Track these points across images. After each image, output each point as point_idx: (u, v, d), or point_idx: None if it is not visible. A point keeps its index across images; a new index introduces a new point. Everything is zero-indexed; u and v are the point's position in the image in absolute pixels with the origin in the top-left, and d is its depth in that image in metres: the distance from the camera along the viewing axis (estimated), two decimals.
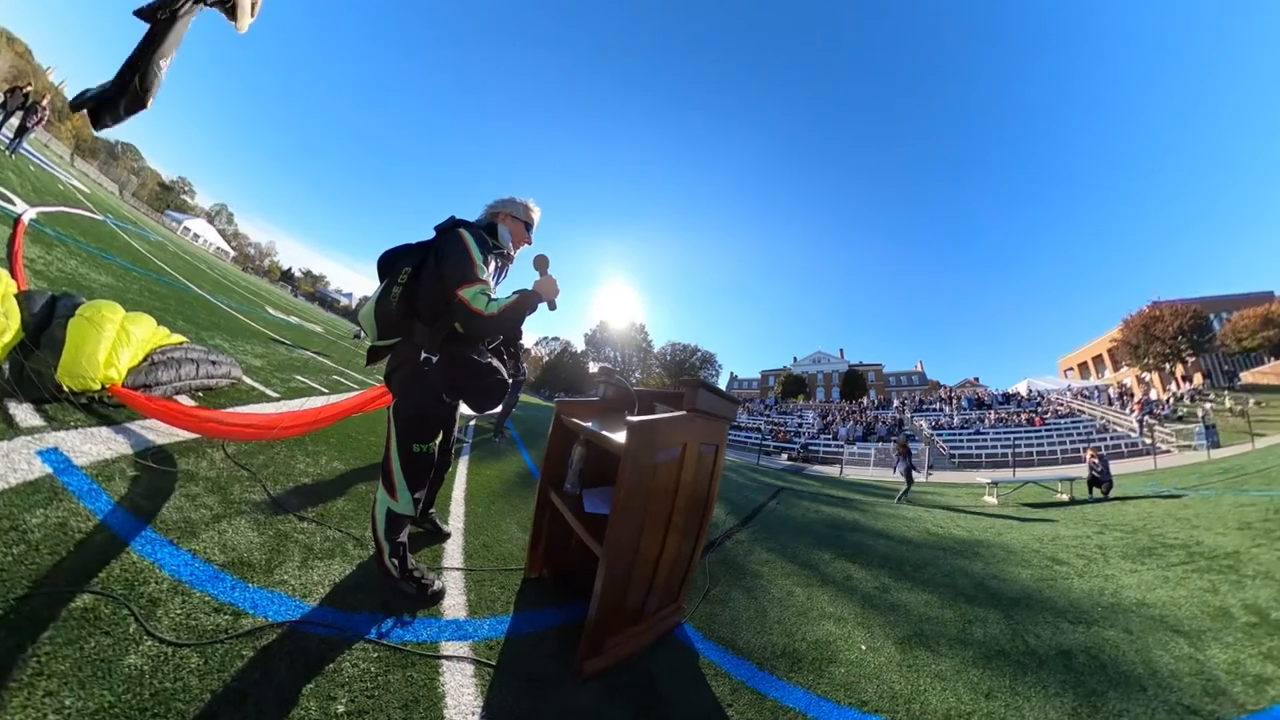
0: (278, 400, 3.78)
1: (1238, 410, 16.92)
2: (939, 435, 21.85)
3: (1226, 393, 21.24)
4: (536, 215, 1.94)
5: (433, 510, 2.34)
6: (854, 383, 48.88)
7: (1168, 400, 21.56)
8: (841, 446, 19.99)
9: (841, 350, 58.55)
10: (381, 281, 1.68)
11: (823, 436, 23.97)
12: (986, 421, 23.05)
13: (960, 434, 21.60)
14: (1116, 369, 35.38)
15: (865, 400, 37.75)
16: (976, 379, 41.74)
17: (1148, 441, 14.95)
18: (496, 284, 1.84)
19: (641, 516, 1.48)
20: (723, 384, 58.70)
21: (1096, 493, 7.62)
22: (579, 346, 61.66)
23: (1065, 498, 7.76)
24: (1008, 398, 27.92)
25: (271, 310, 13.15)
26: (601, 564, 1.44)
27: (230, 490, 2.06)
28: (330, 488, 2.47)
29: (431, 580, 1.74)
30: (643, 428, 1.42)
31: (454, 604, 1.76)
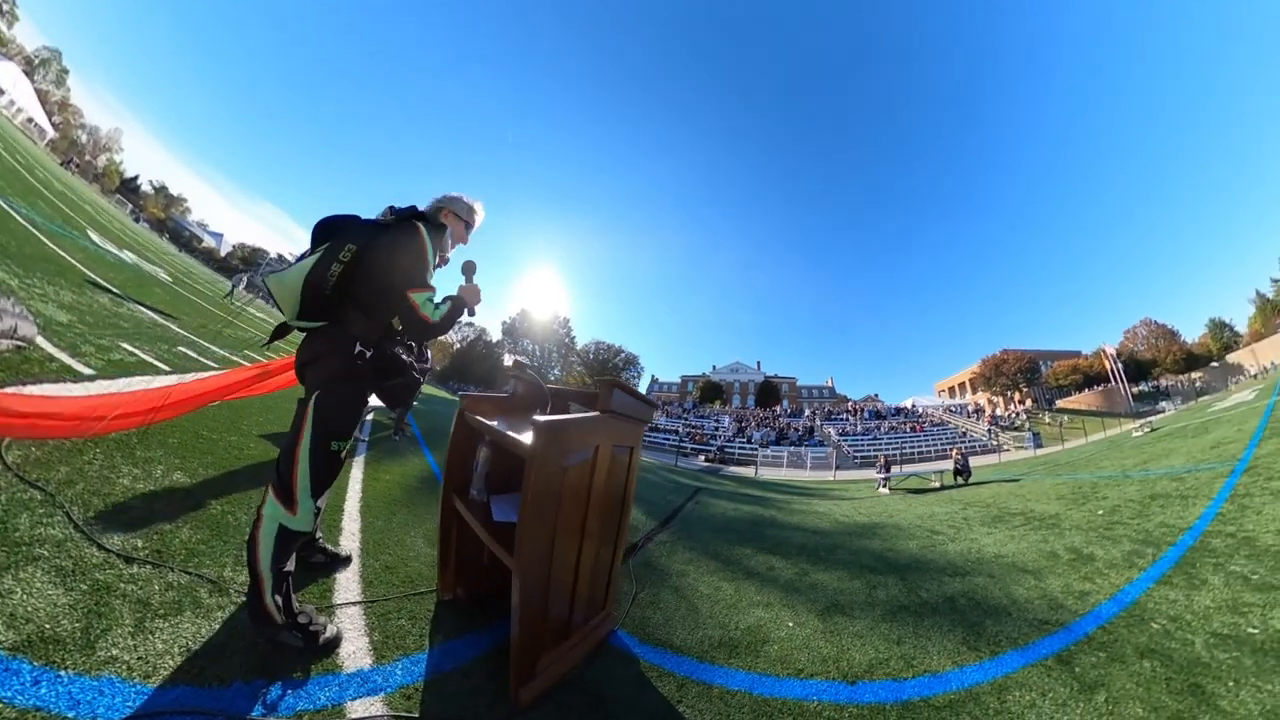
0: (91, 380, 2.86)
1: (1054, 424, 26.28)
2: (845, 440, 27.19)
3: (1046, 413, 33.80)
4: (479, 218, 1.96)
5: (320, 535, 2.06)
6: (769, 392, 54.11)
7: (1008, 416, 32.51)
8: (756, 449, 22.62)
9: (759, 362, 64.48)
10: (314, 249, 1.57)
11: (737, 440, 26.92)
12: (882, 429, 30.34)
13: (862, 439, 27.69)
14: (975, 392, 51.29)
15: (778, 408, 42.73)
16: (876, 395, 54.01)
17: (994, 443, 22.29)
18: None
19: (552, 523, 1.46)
20: (644, 386, 60.45)
21: (960, 480, 10.02)
22: (495, 335, 57.97)
23: (938, 484, 10.06)
24: (899, 411, 37.38)
25: (96, 237, 9.70)
26: (515, 577, 1.38)
27: (14, 523, 1.58)
28: (169, 510, 2.00)
29: (322, 625, 1.53)
30: (551, 428, 1.39)
31: (355, 649, 1.53)
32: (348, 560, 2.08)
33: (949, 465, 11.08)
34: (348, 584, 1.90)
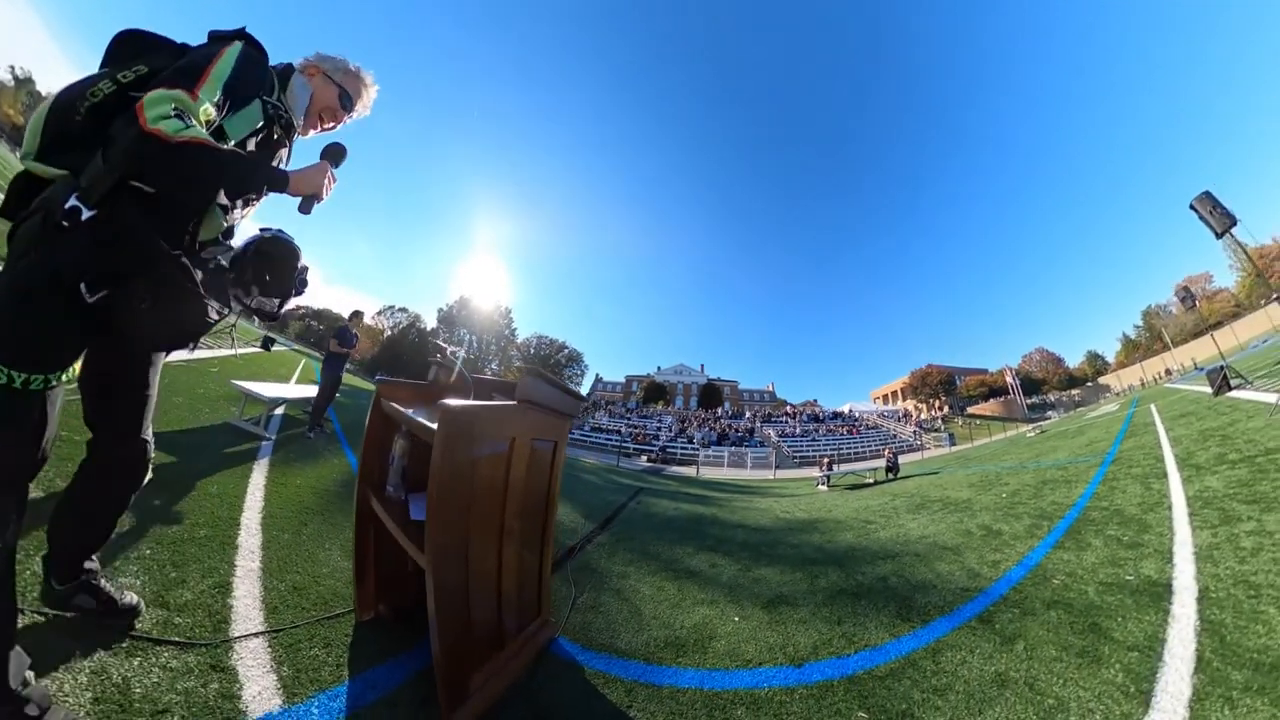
0: None
1: (966, 427, 33.71)
2: (785, 442, 29.54)
3: (960, 417, 43.53)
4: (368, 92, 1.50)
5: (94, 568, 1.42)
6: (712, 394, 56.55)
7: (929, 419, 41.01)
8: (698, 449, 23.72)
9: (703, 365, 67.56)
10: (101, 69, 1.13)
11: (679, 440, 28.20)
12: (820, 431, 34.01)
13: (801, 440, 30.66)
14: (904, 400, 61.53)
15: (720, 410, 45.06)
16: (815, 400, 60.66)
17: (919, 443, 26.94)
18: (279, 164, 1.39)
19: (465, 517, 1.40)
20: (588, 385, 61.62)
21: (891, 476, 11.61)
22: (430, 323, 55.07)
23: (871, 480, 11.52)
24: (836, 415, 42.36)
25: None
26: (428, 576, 1.29)
27: None
28: None
29: None
30: (456, 413, 1.34)
31: (262, 689, 1.36)
32: (132, 611, 1.45)
33: (883, 463, 12.62)
34: (247, 612, 1.69)
